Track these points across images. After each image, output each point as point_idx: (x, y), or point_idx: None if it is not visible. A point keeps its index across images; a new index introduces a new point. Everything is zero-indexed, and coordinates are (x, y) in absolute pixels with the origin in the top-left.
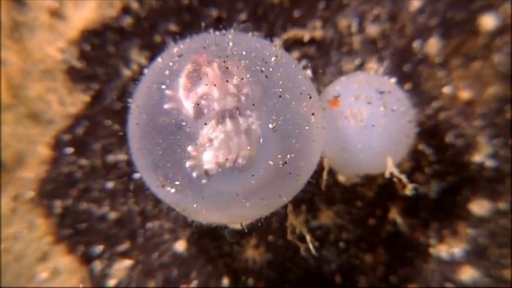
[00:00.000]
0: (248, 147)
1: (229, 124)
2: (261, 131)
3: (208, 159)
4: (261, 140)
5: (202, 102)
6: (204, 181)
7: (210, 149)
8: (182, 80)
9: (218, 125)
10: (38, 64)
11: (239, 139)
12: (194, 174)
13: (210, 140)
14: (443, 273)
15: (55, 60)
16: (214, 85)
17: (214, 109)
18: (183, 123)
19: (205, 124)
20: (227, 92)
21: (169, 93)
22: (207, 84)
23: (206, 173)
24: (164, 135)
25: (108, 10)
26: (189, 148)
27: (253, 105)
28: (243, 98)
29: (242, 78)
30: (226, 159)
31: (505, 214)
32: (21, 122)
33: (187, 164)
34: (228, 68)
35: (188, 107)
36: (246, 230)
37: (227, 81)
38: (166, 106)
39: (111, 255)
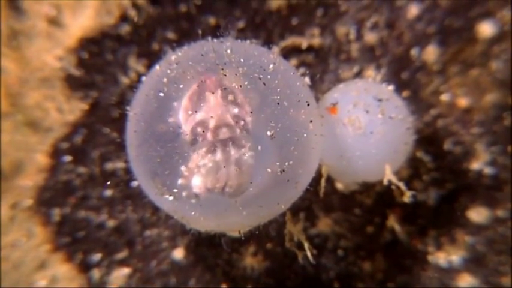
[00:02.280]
0: (236, 178)
1: (219, 154)
2: (253, 161)
3: (197, 183)
4: (259, 147)
5: (198, 129)
6: (193, 201)
7: (199, 175)
8: (184, 102)
9: (208, 153)
10: (36, 72)
11: (228, 169)
12: (184, 194)
13: (198, 167)
14: (441, 281)
15: (53, 68)
16: (211, 116)
17: (207, 138)
18: (181, 131)
19: (197, 151)
20: (224, 123)
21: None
22: (206, 112)
23: (195, 195)
24: (162, 142)
25: (106, 18)
26: (182, 168)
27: (251, 112)
28: (238, 130)
29: (240, 85)
30: (214, 188)
31: (504, 221)
32: (19, 130)
33: (179, 182)
34: (226, 75)
35: (185, 129)
36: (243, 238)
37: (226, 107)
38: (170, 120)
39: (109, 263)
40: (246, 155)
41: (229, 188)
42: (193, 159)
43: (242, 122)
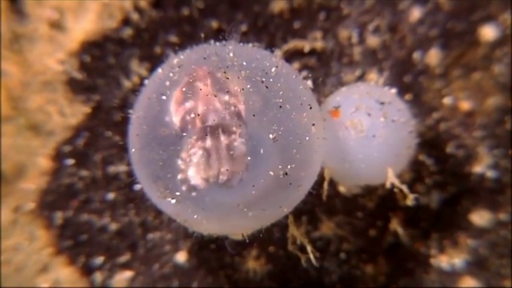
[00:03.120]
0: (229, 165)
1: (209, 141)
2: (245, 148)
3: (192, 174)
4: (262, 150)
5: (187, 117)
6: (193, 194)
7: (192, 165)
8: (176, 94)
9: (197, 141)
10: (38, 75)
11: (218, 156)
12: (183, 188)
13: (189, 156)
14: (444, 284)
15: (55, 71)
16: (202, 101)
17: (196, 125)
18: (184, 134)
19: (187, 139)
20: (212, 109)
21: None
22: (194, 100)
23: (194, 188)
24: (164, 146)
25: (108, 21)
26: (179, 162)
27: (254, 115)
28: (227, 116)
29: (242, 89)
30: (209, 176)
31: (506, 225)
32: (21, 133)
33: (179, 177)
34: (228, 78)
35: (176, 120)
36: (247, 241)
37: (216, 96)
38: (168, 118)
39: (112, 267)
40: (237, 142)
41: (223, 176)
42: (185, 150)
43: (233, 108)
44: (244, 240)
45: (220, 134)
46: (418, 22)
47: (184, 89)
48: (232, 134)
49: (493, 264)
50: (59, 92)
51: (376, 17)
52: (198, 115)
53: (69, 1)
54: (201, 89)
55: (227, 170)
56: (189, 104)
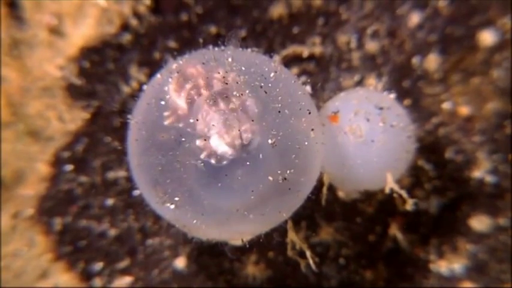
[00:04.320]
0: (248, 123)
1: (221, 103)
2: (256, 108)
3: (217, 143)
4: (261, 155)
5: (192, 92)
6: (225, 163)
7: (213, 133)
8: (171, 86)
9: (211, 107)
10: (37, 81)
11: (236, 115)
12: (213, 161)
13: (207, 124)
14: None
15: (54, 77)
16: (201, 78)
17: (203, 94)
18: (183, 139)
19: (199, 109)
20: (213, 78)
21: (166, 113)
22: (193, 81)
23: (222, 157)
24: (164, 151)
25: (107, 27)
26: (197, 142)
27: (253, 120)
28: (229, 80)
29: (241, 94)
30: (233, 138)
31: (505, 230)
32: (20, 139)
33: (203, 156)
34: (227, 83)
35: (181, 103)
36: (247, 246)
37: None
38: (166, 123)
39: (111, 272)
40: (248, 101)
41: (246, 134)
42: (199, 123)
43: (231, 76)
44: (243, 245)
45: (230, 96)
46: (417, 27)
47: (178, 81)
48: (240, 96)
49: (493, 270)
50: (58, 98)
51: (375, 22)
52: (203, 85)
53: (68, 7)
54: (193, 74)
55: (248, 128)
56: (189, 84)
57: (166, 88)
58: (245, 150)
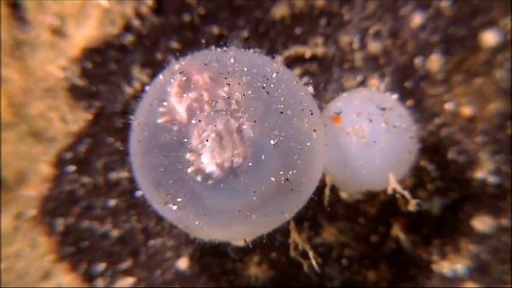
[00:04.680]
0: (242, 147)
1: (219, 124)
2: (252, 133)
3: (207, 161)
4: (263, 156)
5: (194, 104)
6: (210, 182)
7: (206, 151)
8: (174, 89)
9: (208, 124)
10: (39, 82)
11: (231, 138)
12: (199, 178)
13: (202, 141)
14: None
15: (57, 78)
16: (205, 90)
17: (205, 110)
18: (185, 140)
19: (196, 125)
20: (218, 96)
21: (163, 109)
22: (197, 91)
23: (209, 176)
24: (166, 152)
25: (109, 28)
26: (188, 155)
27: (255, 121)
28: (233, 101)
29: (243, 95)
30: (224, 160)
31: (508, 230)
32: (23, 140)
33: (190, 170)
34: (229, 84)
35: (181, 110)
36: (251, 246)
37: (216, 83)
38: (160, 120)
39: (113, 273)
40: (246, 125)
41: (237, 158)
42: (194, 137)
43: (236, 96)
44: (246, 245)
45: (229, 117)
46: (419, 28)
47: (181, 84)
48: (239, 119)
49: (495, 270)
50: (61, 99)
51: (377, 22)
52: (207, 101)
53: (70, 7)
54: (199, 82)
55: (240, 152)
56: (192, 94)
57: (168, 89)
58: (233, 173)
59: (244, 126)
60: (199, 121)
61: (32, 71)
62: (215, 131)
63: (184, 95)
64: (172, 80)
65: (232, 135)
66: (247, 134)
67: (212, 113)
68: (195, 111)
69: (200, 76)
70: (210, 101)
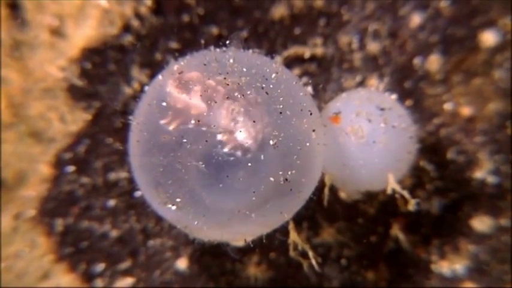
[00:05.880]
0: (266, 117)
1: (241, 99)
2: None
3: (243, 136)
4: (262, 156)
5: (207, 91)
6: (249, 156)
7: (239, 127)
8: (173, 90)
9: (232, 103)
10: (38, 82)
11: (257, 109)
12: (239, 153)
13: (234, 119)
14: None
15: (56, 78)
16: (208, 79)
17: (219, 92)
18: (184, 140)
19: (221, 105)
20: (220, 80)
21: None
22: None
23: (248, 150)
24: (165, 152)
25: (108, 28)
26: (219, 136)
27: (254, 121)
28: (236, 81)
29: (243, 95)
30: (257, 131)
31: (507, 230)
32: (22, 140)
33: (226, 150)
34: (228, 84)
35: (197, 102)
36: (251, 245)
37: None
38: (172, 127)
39: (112, 273)
40: (259, 98)
41: (268, 129)
42: (224, 117)
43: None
44: (246, 245)
45: (245, 93)
46: (418, 28)
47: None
48: (250, 94)
49: (494, 270)
50: (60, 99)
51: (376, 22)
52: (214, 84)
53: (69, 8)
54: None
55: (267, 123)
56: (197, 87)
57: (168, 91)
58: (264, 145)
59: (259, 99)
60: (222, 101)
61: (31, 71)
62: (242, 105)
63: (190, 89)
64: (169, 85)
65: (257, 106)
66: (262, 107)
67: (229, 91)
68: (212, 97)
69: (193, 73)
70: (217, 84)
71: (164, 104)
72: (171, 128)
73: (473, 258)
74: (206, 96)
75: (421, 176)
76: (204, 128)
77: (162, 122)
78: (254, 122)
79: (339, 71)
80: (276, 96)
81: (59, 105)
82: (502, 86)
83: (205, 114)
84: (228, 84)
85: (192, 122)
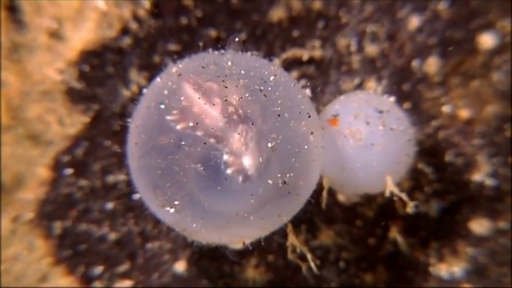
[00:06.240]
0: (267, 149)
1: (253, 128)
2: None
3: (249, 162)
4: (260, 159)
5: (229, 108)
6: (247, 184)
7: (246, 153)
8: (191, 91)
9: (248, 129)
10: (37, 85)
11: (263, 141)
12: (240, 179)
13: (246, 143)
14: None
15: (54, 81)
16: (225, 86)
17: (239, 114)
18: (182, 143)
19: (235, 127)
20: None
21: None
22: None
23: (249, 177)
24: (163, 155)
25: (107, 31)
26: (225, 157)
27: (252, 124)
28: (248, 110)
29: (241, 97)
30: (261, 161)
31: (505, 233)
32: (20, 143)
33: (229, 171)
34: (226, 87)
35: (215, 115)
36: (250, 248)
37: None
38: (179, 127)
39: (111, 276)
40: (264, 127)
41: (267, 161)
42: (236, 140)
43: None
44: (245, 248)
45: (256, 121)
46: (416, 30)
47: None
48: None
49: (493, 273)
50: (58, 102)
51: (374, 25)
52: (235, 105)
53: (68, 10)
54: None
55: (269, 155)
56: (220, 99)
57: (186, 90)
58: (262, 175)
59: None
60: (237, 123)
61: (30, 74)
62: (254, 134)
63: (211, 99)
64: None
65: (263, 138)
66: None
67: (244, 117)
68: (230, 115)
69: (210, 83)
70: (239, 106)
71: (163, 106)
72: (178, 127)
73: (472, 261)
74: (225, 113)
75: (419, 179)
76: (212, 140)
77: (170, 117)
78: (261, 152)
79: (337, 74)
80: (274, 99)
81: (57, 107)
82: (500, 88)
83: (218, 128)
84: (226, 87)
85: (201, 132)
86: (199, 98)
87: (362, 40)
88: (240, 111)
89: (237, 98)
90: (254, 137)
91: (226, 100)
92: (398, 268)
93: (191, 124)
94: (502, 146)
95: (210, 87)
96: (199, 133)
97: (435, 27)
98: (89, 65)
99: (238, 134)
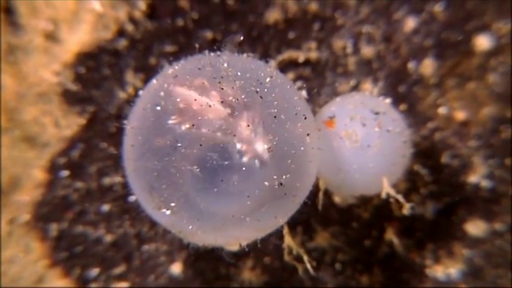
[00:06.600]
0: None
1: (257, 112)
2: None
3: (261, 147)
4: (256, 160)
5: (229, 99)
6: (260, 166)
7: (257, 139)
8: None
9: (253, 114)
10: (33, 87)
11: (266, 125)
12: (257, 163)
13: (254, 130)
14: None
15: (50, 83)
16: (222, 88)
17: (239, 101)
18: (178, 144)
19: (240, 118)
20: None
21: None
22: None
23: (265, 163)
24: (159, 156)
25: (103, 33)
26: (238, 146)
27: (248, 125)
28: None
29: (237, 99)
30: (270, 144)
31: (501, 235)
32: (16, 145)
33: (244, 160)
34: (222, 88)
35: (218, 107)
36: (246, 250)
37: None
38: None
39: (107, 278)
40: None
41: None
42: (244, 127)
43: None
44: (241, 250)
45: (255, 108)
46: (412, 32)
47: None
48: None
49: (489, 274)
50: (54, 104)
51: (370, 26)
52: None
53: (64, 12)
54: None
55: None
56: (215, 91)
57: (179, 91)
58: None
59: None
60: (243, 111)
61: (25, 76)
62: (259, 119)
63: (208, 92)
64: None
65: (266, 121)
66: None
67: (245, 104)
68: (232, 104)
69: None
70: (236, 94)
71: (159, 108)
72: (181, 128)
73: (468, 263)
74: (227, 103)
75: (415, 180)
76: (219, 134)
77: (171, 122)
78: (266, 135)
79: (333, 75)
80: (270, 100)
81: (53, 109)
82: (496, 90)
83: (224, 120)
84: (222, 89)
85: (204, 129)
86: (195, 98)
87: (358, 42)
88: (240, 99)
89: (233, 100)
90: (260, 122)
91: (222, 89)
92: (395, 270)
93: (194, 123)
94: (498, 147)
95: (202, 84)
96: (204, 130)
97: (431, 28)
98: (85, 67)
99: (245, 121)
